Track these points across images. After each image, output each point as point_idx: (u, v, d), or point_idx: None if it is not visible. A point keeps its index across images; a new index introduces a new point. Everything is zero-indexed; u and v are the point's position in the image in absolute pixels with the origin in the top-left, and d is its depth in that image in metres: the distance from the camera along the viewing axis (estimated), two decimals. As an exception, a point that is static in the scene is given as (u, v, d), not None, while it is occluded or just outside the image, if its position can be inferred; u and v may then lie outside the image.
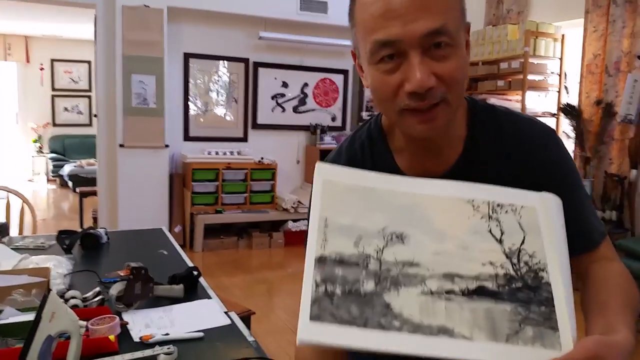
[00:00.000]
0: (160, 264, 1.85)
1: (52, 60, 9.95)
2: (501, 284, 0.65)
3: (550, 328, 0.62)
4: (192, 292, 1.62)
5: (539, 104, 5.25)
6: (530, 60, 4.87)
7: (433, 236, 0.68)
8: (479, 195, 0.72)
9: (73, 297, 1.47)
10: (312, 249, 0.66)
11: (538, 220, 0.70)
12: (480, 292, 0.64)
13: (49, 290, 1.45)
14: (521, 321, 0.62)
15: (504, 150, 0.87)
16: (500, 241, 0.68)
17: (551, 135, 0.88)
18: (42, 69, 9.91)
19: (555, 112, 5.06)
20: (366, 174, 0.75)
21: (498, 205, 0.71)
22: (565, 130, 4.86)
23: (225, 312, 1.47)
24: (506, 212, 0.71)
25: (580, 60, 4.71)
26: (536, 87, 5.06)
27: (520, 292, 0.64)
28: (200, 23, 5.52)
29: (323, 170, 0.74)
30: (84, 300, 1.49)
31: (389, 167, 0.92)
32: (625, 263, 3.14)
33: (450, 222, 0.70)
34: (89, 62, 9.87)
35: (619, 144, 4.46)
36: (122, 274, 1.59)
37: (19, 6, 6.43)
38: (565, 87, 5.00)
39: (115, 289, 1.47)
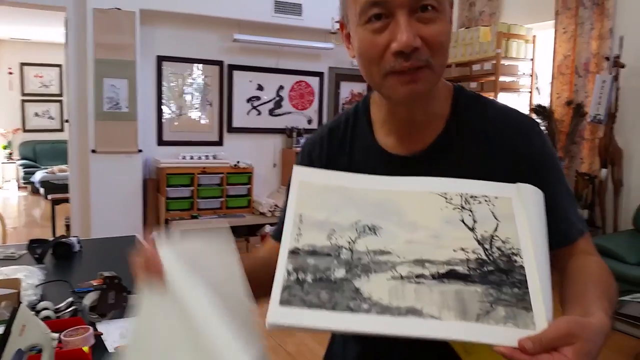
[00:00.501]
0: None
1: (22, 64, 9.75)
2: (472, 267, 0.66)
3: (523, 308, 0.63)
4: (168, 300, 1.59)
5: (511, 104, 5.33)
6: (502, 61, 4.93)
7: (405, 227, 0.70)
8: (452, 189, 0.73)
9: (45, 309, 1.44)
10: (287, 242, 0.69)
11: (513, 209, 0.72)
12: (450, 276, 0.66)
13: (20, 302, 1.42)
14: (493, 302, 0.63)
15: (487, 134, 0.87)
16: (472, 229, 0.70)
17: (537, 127, 0.90)
18: (10, 73, 9.70)
19: (527, 113, 5.13)
20: (341, 174, 0.77)
21: (471, 196, 0.73)
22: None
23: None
24: (479, 202, 0.72)
25: (551, 62, 4.80)
26: (508, 88, 5.14)
27: (492, 275, 0.66)
28: (174, 25, 5.47)
29: (300, 173, 0.77)
30: (57, 311, 1.46)
31: (367, 142, 0.93)
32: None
33: (422, 214, 0.71)
34: (59, 66, 9.69)
35: (589, 144, 4.55)
36: (95, 284, 1.56)
37: (-14, 9, 6.29)
38: (537, 88, 5.09)
39: (88, 299, 1.44)
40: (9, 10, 6.36)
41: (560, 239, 0.81)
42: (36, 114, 9.98)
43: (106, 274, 1.50)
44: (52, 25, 7.56)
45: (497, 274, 0.66)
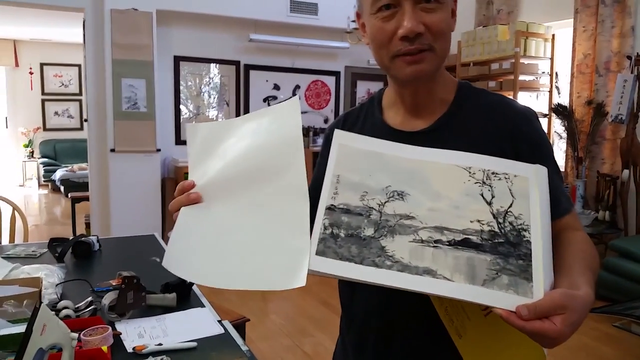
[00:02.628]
0: (153, 271, 1.83)
1: (42, 64, 9.88)
2: (485, 238, 0.74)
3: (525, 279, 0.70)
4: (185, 300, 1.60)
5: (530, 104, 5.26)
6: (521, 60, 4.88)
7: (429, 196, 0.77)
8: (477, 164, 0.80)
9: (65, 308, 1.46)
10: (324, 200, 0.77)
11: (528, 188, 0.78)
12: (465, 244, 0.73)
13: (41, 301, 1.43)
14: (499, 270, 0.71)
15: (488, 117, 0.96)
16: (489, 203, 0.77)
17: (533, 113, 0.99)
18: (31, 73, 9.83)
19: (547, 113, 5.08)
20: (377, 141, 0.84)
21: (493, 173, 0.79)
22: (558, 130, 4.87)
23: (219, 321, 1.45)
24: (499, 179, 0.78)
25: (571, 60, 4.73)
26: (527, 87, 5.08)
27: (501, 247, 0.73)
28: (190, 26, 5.50)
29: (339, 136, 0.84)
30: (76, 310, 1.47)
31: (376, 121, 1.04)
32: (618, 263, 3.14)
33: (446, 185, 0.78)
34: (78, 66, 9.81)
35: (611, 144, 4.48)
36: (114, 283, 1.57)
37: (7, 10, 6.38)
38: (557, 87, 5.02)
39: (107, 299, 1.45)
40: (29, 12, 6.46)
41: (552, 212, 0.86)
42: (56, 113, 10.11)
43: (125, 273, 1.51)
44: (70, 25, 7.66)
45: (506, 246, 0.73)
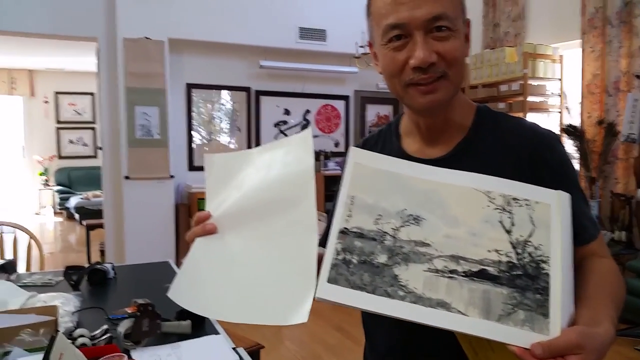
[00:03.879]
0: (167, 298, 1.84)
1: (56, 93, 10.07)
2: (503, 269, 0.71)
3: (541, 314, 0.67)
4: (200, 327, 1.61)
5: (540, 125, 5.26)
6: (530, 81, 4.90)
7: (446, 221, 0.74)
8: (497, 189, 0.77)
9: (81, 336, 1.47)
10: (338, 222, 0.75)
11: (550, 216, 0.74)
12: (481, 275, 0.70)
13: (57, 330, 1.45)
14: (515, 305, 0.68)
15: (507, 143, 0.94)
16: (508, 232, 0.73)
17: (556, 137, 0.97)
18: (46, 102, 10.02)
19: (558, 133, 5.06)
20: (394, 160, 0.82)
21: (514, 199, 0.76)
22: (569, 151, 4.85)
23: (234, 348, 1.46)
24: (520, 206, 0.75)
25: (580, 81, 4.74)
26: (537, 108, 5.08)
27: (519, 279, 0.70)
28: (202, 53, 5.60)
29: (355, 154, 0.82)
30: (92, 338, 1.49)
31: (394, 147, 1.03)
32: (636, 285, 3.08)
33: (464, 210, 0.75)
34: (92, 94, 9.98)
35: (624, 164, 4.45)
36: (129, 311, 1.59)
37: (23, 41, 6.54)
38: (567, 108, 5.03)
39: (123, 327, 1.47)
40: (44, 43, 6.61)
41: (577, 239, 0.83)
42: (70, 141, 10.25)
43: (140, 301, 1.52)
44: (84, 55, 7.81)
45: (524, 279, 0.70)
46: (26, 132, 9.97)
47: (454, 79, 0.89)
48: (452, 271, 0.71)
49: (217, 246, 0.86)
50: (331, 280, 0.71)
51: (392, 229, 0.74)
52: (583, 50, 4.67)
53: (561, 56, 5.05)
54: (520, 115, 4.91)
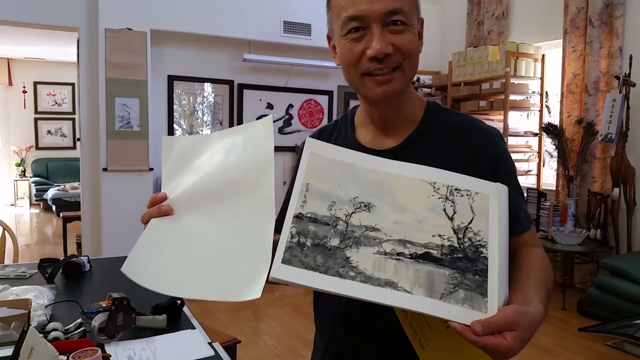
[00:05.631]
0: (143, 293, 1.81)
1: (35, 83, 9.90)
2: (445, 252, 0.76)
3: (480, 294, 0.73)
4: (176, 322, 1.59)
5: (521, 123, 5.32)
6: (512, 80, 4.94)
7: (395, 208, 0.80)
8: (441, 180, 0.82)
9: (54, 330, 1.44)
10: (293, 207, 0.78)
11: (488, 205, 0.81)
12: (425, 258, 0.76)
13: (29, 324, 1.42)
14: (456, 284, 0.73)
15: (454, 137, 1.00)
16: (451, 219, 0.79)
17: (499, 134, 1.03)
18: (24, 91, 9.84)
19: (538, 132, 5.12)
20: (348, 151, 0.86)
21: (456, 189, 0.82)
22: (549, 149, 4.91)
23: (209, 343, 1.44)
24: (461, 195, 0.81)
25: (561, 80, 4.79)
26: (518, 106, 5.13)
27: (459, 262, 0.76)
28: (184, 45, 5.53)
29: (311, 144, 0.85)
30: (66, 332, 1.46)
31: (348, 138, 1.08)
32: (610, 282, 3.13)
33: (411, 198, 0.81)
34: (72, 85, 9.83)
35: (601, 163, 4.52)
36: (104, 305, 1.56)
37: (1, 29, 6.41)
38: (547, 107, 5.08)
39: (97, 320, 1.44)
40: (24, 31, 6.48)
41: (512, 229, 0.89)
42: (49, 132, 10.10)
43: (115, 295, 1.50)
44: (64, 45, 7.70)
45: (464, 261, 0.76)
46: (3, 122, 9.78)
47: (408, 71, 0.95)
48: (399, 254, 0.76)
49: (173, 226, 0.87)
50: (285, 261, 0.74)
51: (345, 214, 0.79)
52: (564, 50, 4.72)
53: (543, 55, 5.10)
54: (502, 113, 4.96)
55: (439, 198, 0.81)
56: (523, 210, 1.00)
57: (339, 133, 1.11)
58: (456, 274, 0.74)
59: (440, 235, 0.78)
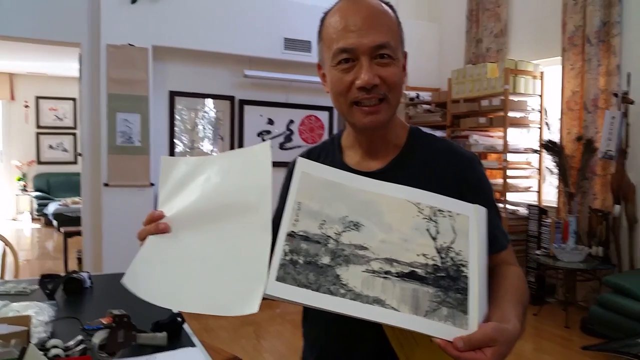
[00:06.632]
0: (143, 309, 1.80)
1: (37, 98, 9.95)
2: (429, 271, 0.80)
3: (461, 311, 0.77)
4: (176, 339, 1.59)
5: (521, 140, 5.33)
6: (511, 97, 4.96)
7: (382, 227, 0.83)
8: (425, 201, 0.87)
9: (54, 347, 1.44)
10: (286, 226, 0.81)
11: (469, 226, 0.85)
12: (411, 276, 0.79)
13: (29, 341, 1.42)
14: (439, 302, 0.77)
15: (435, 160, 1.06)
16: (434, 239, 0.83)
17: (476, 159, 1.10)
18: (26, 106, 9.89)
19: (538, 149, 5.13)
20: (338, 171, 0.90)
21: (439, 210, 0.86)
22: (548, 166, 4.92)
23: (210, 361, 1.44)
24: (444, 216, 0.86)
25: (560, 97, 4.82)
26: (517, 123, 5.15)
27: (442, 280, 0.79)
28: (186, 62, 5.57)
29: (302, 164, 0.89)
30: (66, 349, 1.46)
31: (336, 159, 1.13)
32: (612, 300, 3.11)
33: (397, 218, 0.85)
34: (74, 100, 9.87)
35: (602, 180, 4.52)
36: (104, 322, 1.56)
37: (4, 44, 6.46)
38: (547, 124, 5.10)
39: (97, 338, 1.44)
40: (26, 46, 6.53)
41: (490, 248, 0.93)
42: (50, 147, 10.12)
43: (116, 312, 1.50)
44: (67, 60, 7.74)
45: (447, 280, 0.80)
46: (5, 137, 9.82)
47: (393, 101, 1.01)
48: (386, 272, 0.79)
49: (171, 243, 0.89)
50: (279, 278, 0.77)
51: (335, 233, 0.82)
52: (563, 68, 4.76)
53: (542, 72, 5.14)
54: (501, 130, 4.98)
55: (423, 218, 0.85)
56: (500, 230, 1.05)
57: (327, 154, 1.16)
58: (439, 292, 0.78)
59: (424, 255, 0.81)
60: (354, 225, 0.83)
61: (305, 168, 0.88)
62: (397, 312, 0.76)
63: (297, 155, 1.19)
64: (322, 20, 1.06)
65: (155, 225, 0.90)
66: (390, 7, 1.05)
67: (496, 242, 1.00)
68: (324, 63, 1.06)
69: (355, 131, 1.09)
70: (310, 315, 1.16)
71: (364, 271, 0.79)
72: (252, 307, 0.76)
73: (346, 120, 1.06)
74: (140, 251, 0.90)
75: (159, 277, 0.86)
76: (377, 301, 0.76)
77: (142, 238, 0.92)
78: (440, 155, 1.07)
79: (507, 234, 1.08)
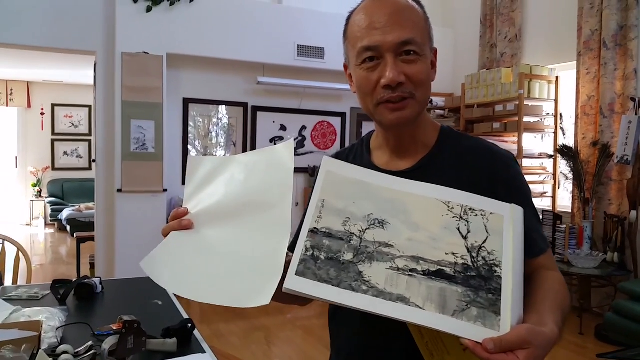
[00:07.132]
0: (154, 315, 1.82)
1: (53, 105, 10.06)
2: (458, 270, 0.77)
3: (493, 312, 0.73)
4: (186, 345, 1.58)
5: (535, 145, 5.28)
6: (525, 102, 4.92)
7: (409, 226, 0.81)
8: (456, 199, 0.84)
9: (65, 353, 1.44)
10: (308, 222, 0.81)
11: (503, 226, 0.81)
12: (438, 275, 0.76)
13: (39, 347, 1.42)
14: (469, 302, 0.73)
15: (468, 160, 1.02)
16: (465, 237, 0.80)
17: (512, 157, 1.05)
18: (42, 113, 10.01)
19: (553, 154, 5.08)
20: (363, 170, 0.88)
21: (470, 209, 0.83)
22: (564, 171, 4.86)
23: (220, 367, 1.43)
24: (476, 215, 0.82)
25: (575, 102, 4.76)
26: (532, 128, 5.10)
27: (473, 280, 0.76)
28: (200, 69, 5.60)
29: (328, 163, 0.88)
30: (76, 355, 1.46)
31: (365, 160, 1.11)
32: (628, 306, 3.06)
33: (425, 217, 0.82)
34: (89, 107, 9.97)
35: (618, 185, 4.46)
36: (115, 327, 1.56)
37: (22, 53, 6.54)
38: (562, 129, 5.04)
39: (107, 343, 1.44)
40: (43, 55, 6.61)
41: (528, 252, 0.89)
42: (65, 153, 10.22)
43: (126, 317, 1.50)
44: (82, 68, 7.83)
45: (478, 280, 0.76)
46: (21, 143, 9.93)
47: (420, 99, 0.98)
48: (412, 270, 0.76)
49: (192, 238, 0.92)
50: (299, 273, 0.75)
51: (359, 230, 0.80)
52: (578, 72, 4.70)
53: (557, 77, 5.08)
54: (516, 135, 4.93)
55: (453, 217, 0.82)
56: (539, 233, 0.99)
57: (355, 156, 1.15)
58: (469, 291, 0.75)
59: (453, 254, 0.78)
60: (379, 223, 0.81)
61: (330, 167, 0.88)
62: (422, 310, 0.72)
63: (324, 155, 1.20)
64: (348, 19, 1.04)
65: (179, 222, 0.93)
66: (418, 2, 1.02)
67: (534, 246, 0.96)
68: (350, 63, 1.05)
69: (382, 129, 1.07)
70: (335, 322, 1.13)
71: (387, 268, 0.76)
72: (264, 299, 0.75)
73: (373, 119, 1.04)
74: (162, 243, 0.93)
75: (175, 266, 0.88)
76: (401, 299, 0.73)
77: (166, 234, 0.94)
78: (472, 154, 1.03)
79: (545, 238, 1.02)
